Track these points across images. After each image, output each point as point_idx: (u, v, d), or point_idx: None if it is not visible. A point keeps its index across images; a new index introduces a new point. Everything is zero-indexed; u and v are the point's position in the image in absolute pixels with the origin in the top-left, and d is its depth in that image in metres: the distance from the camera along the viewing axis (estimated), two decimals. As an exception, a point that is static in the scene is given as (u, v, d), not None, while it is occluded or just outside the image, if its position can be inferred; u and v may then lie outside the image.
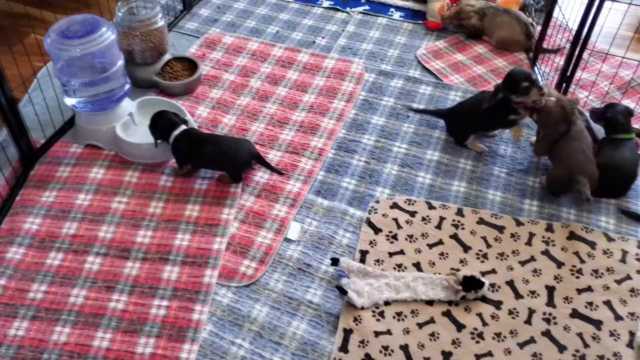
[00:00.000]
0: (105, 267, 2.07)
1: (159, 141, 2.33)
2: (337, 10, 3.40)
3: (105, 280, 2.03)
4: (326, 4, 3.44)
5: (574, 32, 2.62)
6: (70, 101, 2.41)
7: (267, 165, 2.40)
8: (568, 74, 2.71)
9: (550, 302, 2.03)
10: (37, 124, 2.53)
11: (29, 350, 1.84)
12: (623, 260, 2.16)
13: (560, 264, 2.14)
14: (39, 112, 2.58)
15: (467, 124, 2.53)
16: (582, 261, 2.15)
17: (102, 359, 1.83)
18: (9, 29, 2.35)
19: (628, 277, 2.11)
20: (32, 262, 2.07)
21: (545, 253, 2.18)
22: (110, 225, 2.20)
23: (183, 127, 2.32)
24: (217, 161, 2.33)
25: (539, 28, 3.05)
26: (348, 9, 3.40)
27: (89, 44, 2.25)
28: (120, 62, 2.41)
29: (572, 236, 2.23)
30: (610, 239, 2.23)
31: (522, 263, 2.14)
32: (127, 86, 2.49)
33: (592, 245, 2.20)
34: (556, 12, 2.94)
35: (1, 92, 2.20)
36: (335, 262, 2.07)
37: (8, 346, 1.85)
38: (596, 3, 2.48)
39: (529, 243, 2.20)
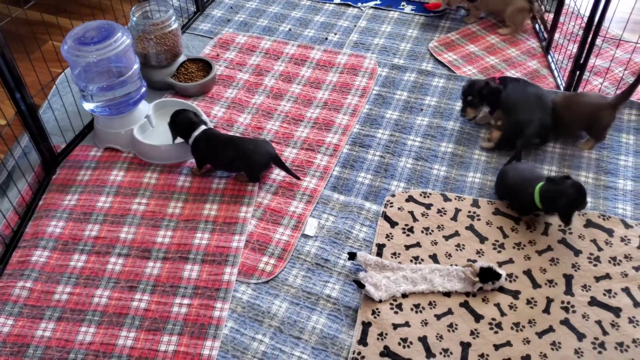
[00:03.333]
0: (127, 268, 2.11)
1: (177, 140, 2.38)
2: (349, 5, 3.42)
3: (128, 280, 2.08)
4: (337, 0, 3.46)
5: (586, 19, 2.61)
6: (88, 106, 2.46)
7: (284, 168, 2.40)
8: (581, 61, 2.69)
9: (569, 291, 2.03)
10: (57, 129, 2.58)
11: (56, 351, 1.90)
12: (641, 247, 2.16)
13: (577, 252, 2.14)
14: (59, 118, 2.64)
15: None
16: (600, 249, 2.15)
17: (126, 357, 1.88)
18: (27, 37, 2.41)
19: (647, 264, 2.11)
20: (56, 264, 2.13)
21: (562, 242, 2.18)
22: (130, 227, 2.24)
23: (203, 127, 2.36)
24: (235, 162, 2.35)
25: (551, 16, 3.03)
26: (359, 4, 3.41)
27: (105, 49, 2.29)
28: (136, 66, 2.45)
29: (589, 224, 2.23)
30: (627, 226, 2.22)
31: (539, 252, 2.14)
32: (144, 89, 2.54)
33: (610, 232, 2.20)
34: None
35: (21, 99, 2.25)
36: (352, 256, 2.09)
37: (36, 347, 1.91)
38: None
39: (545, 232, 2.20)
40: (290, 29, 3.24)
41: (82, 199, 2.35)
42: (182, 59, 2.89)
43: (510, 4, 3.10)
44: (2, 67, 2.14)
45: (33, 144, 2.40)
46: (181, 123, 2.36)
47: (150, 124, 2.58)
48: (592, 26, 2.58)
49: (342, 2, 3.44)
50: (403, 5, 3.41)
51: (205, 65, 2.91)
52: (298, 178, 2.40)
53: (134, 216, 2.28)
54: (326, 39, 3.17)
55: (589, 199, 2.31)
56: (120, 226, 2.25)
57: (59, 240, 2.20)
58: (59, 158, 2.51)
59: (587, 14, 2.60)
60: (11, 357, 1.89)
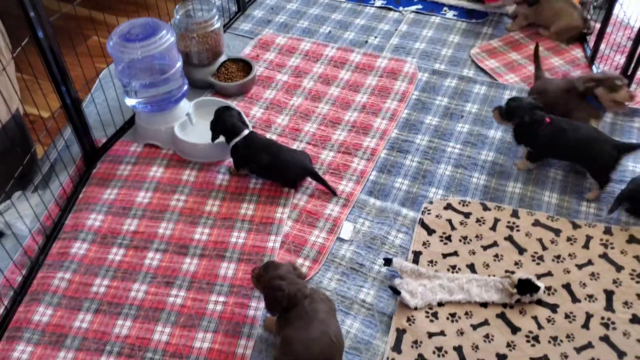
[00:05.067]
0: (165, 263, 2.13)
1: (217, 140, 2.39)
2: (390, 9, 3.40)
3: (165, 275, 2.10)
4: (379, 3, 3.44)
5: (635, 30, 2.55)
6: (130, 102, 2.49)
7: (322, 182, 2.36)
8: (629, 72, 2.63)
9: (609, 307, 1.99)
10: (99, 124, 2.62)
11: (93, 342, 1.92)
12: (687, 266, 2.10)
13: (619, 268, 2.09)
14: (101, 112, 2.68)
15: None
16: (643, 266, 2.10)
17: (161, 352, 1.90)
18: (74, 32, 2.45)
19: (692, 283, 2.05)
20: (95, 257, 2.16)
21: (604, 256, 2.13)
22: (169, 222, 2.26)
23: (246, 131, 2.36)
24: (270, 170, 2.35)
25: (598, 25, 2.97)
26: (401, 8, 3.39)
27: (150, 46, 2.32)
28: (179, 64, 2.48)
29: (631, 240, 2.18)
30: (673, 244, 2.16)
31: (579, 266, 2.10)
32: (185, 87, 2.56)
33: (654, 249, 2.15)
34: (616, 9, 2.85)
35: (67, 93, 2.29)
36: (388, 262, 2.08)
37: (74, 337, 1.94)
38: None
39: (586, 246, 2.16)
40: (330, 31, 3.24)
41: (121, 194, 2.38)
42: (223, 58, 2.91)
43: (563, 17, 3.04)
44: (50, 61, 2.18)
45: (76, 137, 2.45)
46: (225, 125, 2.35)
47: (190, 122, 2.60)
48: (641, 37, 2.53)
49: (383, 5, 3.42)
50: (445, 11, 3.38)
51: (245, 66, 2.93)
52: (334, 193, 2.36)
53: (172, 212, 2.30)
54: (366, 42, 3.16)
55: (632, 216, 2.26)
56: (159, 222, 2.27)
57: (98, 233, 2.24)
58: (100, 152, 2.55)
59: (637, 25, 2.54)
60: (50, 345, 1.92)
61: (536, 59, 2.68)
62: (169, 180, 2.42)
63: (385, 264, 2.09)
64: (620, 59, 2.77)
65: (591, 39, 3.02)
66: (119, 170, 2.48)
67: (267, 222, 2.25)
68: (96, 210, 2.32)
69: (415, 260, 2.13)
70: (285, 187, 2.38)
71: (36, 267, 2.13)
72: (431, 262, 2.12)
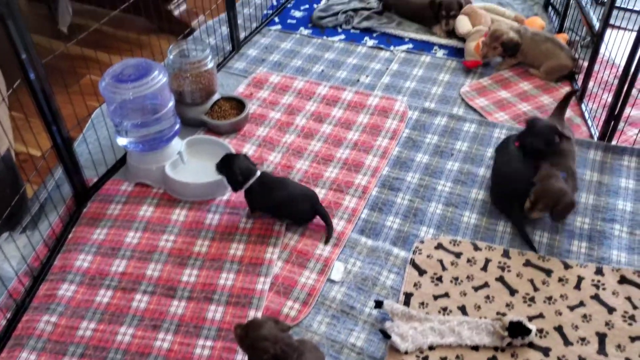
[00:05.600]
0: (152, 306, 2.11)
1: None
2: (381, 49, 3.44)
3: (152, 318, 2.07)
4: (370, 42, 3.49)
5: (621, 68, 2.58)
6: (122, 141, 2.49)
7: (326, 221, 2.36)
8: (616, 112, 2.65)
9: (602, 350, 1.97)
10: (91, 163, 2.62)
11: (78, 387, 1.89)
12: (679, 307, 2.08)
13: (611, 310, 2.08)
14: (93, 151, 2.68)
15: None
16: (635, 307, 2.08)
17: (147, 397, 1.86)
18: (67, 70, 2.47)
19: (685, 325, 2.03)
20: (82, 299, 2.14)
21: (595, 297, 2.11)
22: (157, 263, 2.25)
23: (258, 172, 2.34)
24: (286, 207, 2.36)
25: (585, 64, 3.01)
26: (392, 48, 3.44)
27: (142, 87, 2.34)
28: (171, 104, 2.49)
29: (622, 280, 2.16)
30: (664, 284, 2.15)
31: (571, 308, 2.09)
32: (177, 126, 2.57)
33: (646, 290, 2.13)
34: (602, 48, 2.89)
35: (57, 132, 2.29)
36: (379, 304, 2.06)
37: (58, 382, 1.90)
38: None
39: (577, 287, 2.15)
40: (323, 70, 3.27)
41: (111, 234, 2.36)
42: (216, 97, 2.93)
43: (551, 58, 3.09)
44: (41, 102, 2.19)
45: (66, 177, 2.44)
46: (240, 171, 2.30)
47: (182, 161, 2.60)
48: (628, 76, 2.55)
49: (374, 45, 3.47)
50: (435, 50, 3.42)
51: (238, 104, 2.94)
52: (328, 238, 2.34)
53: (161, 253, 2.28)
54: (358, 80, 3.19)
55: (623, 254, 2.26)
56: (147, 263, 2.25)
57: (87, 274, 2.22)
58: (91, 191, 2.54)
59: (622, 63, 2.57)
60: (33, 392, 1.88)
61: (563, 105, 2.68)
62: (158, 219, 2.42)
63: (376, 307, 2.07)
64: (608, 97, 2.79)
65: (579, 78, 3.06)
66: (109, 210, 2.47)
67: (257, 263, 2.23)
68: (85, 251, 2.30)
69: (407, 302, 2.11)
70: (300, 224, 2.39)
71: (22, 310, 2.10)
72: (422, 304, 2.10)
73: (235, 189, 2.35)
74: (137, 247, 2.31)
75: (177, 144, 2.62)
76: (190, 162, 2.62)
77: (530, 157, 2.43)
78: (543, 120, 2.50)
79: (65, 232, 2.38)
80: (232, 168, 2.31)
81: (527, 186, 2.31)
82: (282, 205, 2.35)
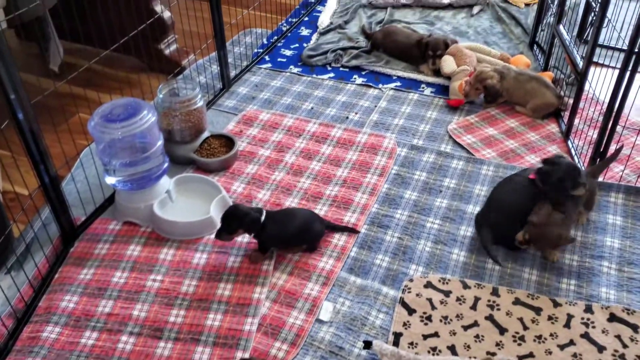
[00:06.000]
0: (138, 347, 2.08)
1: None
2: (370, 86, 3.48)
3: (138, 361, 2.04)
4: (359, 80, 3.53)
5: (606, 105, 2.62)
6: (110, 180, 2.49)
7: (339, 229, 2.52)
8: (602, 149, 2.69)
9: (593, 390, 1.95)
10: (79, 201, 2.61)
11: None
12: (669, 345, 2.07)
13: (601, 348, 2.06)
14: (81, 190, 2.67)
15: None
16: (625, 345, 2.07)
17: None
18: (55, 109, 2.48)
19: (675, 364, 2.02)
20: (66, 341, 2.10)
21: (585, 336, 2.10)
22: (144, 304, 2.22)
23: (264, 212, 2.34)
24: (298, 236, 2.39)
25: (570, 101, 3.05)
26: (380, 86, 3.48)
27: (131, 126, 2.34)
28: (160, 142, 2.49)
29: (612, 318, 2.16)
30: (654, 322, 2.14)
31: (561, 347, 2.07)
32: (166, 164, 2.57)
33: (635, 328, 2.12)
34: (587, 86, 2.94)
35: (45, 172, 2.29)
36: (367, 345, 2.04)
37: None
38: (627, 76, 2.49)
39: (567, 325, 2.14)
40: (312, 108, 3.30)
41: (97, 273, 2.34)
42: (205, 134, 2.94)
43: (537, 96, 3.13)
44: (29, 141, 2.19)
45: (53, 216, 2.42)
46: (248, 216, 2.28)
47: (170, 199, 2.60)
48: (612, 113, 2.60)
49: (363, 83, 3.51)
50: (423, 88, 3.47)
51: (227, 141, 2.96)
52: (354, 230, 2.52)
53: (148, 293, 2.26)
54: (347, 118, 3.22)
55: (612, 291, 2.26)
56: (134, 303, 2.22)
57: (72, 315, 2.19)
58: (79, 231, 2.52)
59: (607, 100, 2.62)
60: None
61: (604, 164, 2.68)
62: (146, 259, 2.40)
63: (365, 347, 2.05)
64: (594, 134, 2.83)
65: (565, 115, 3.10)
66: (97, 249, 2.45)
67: (245, 303, 2.21)
68: (71, 292, 2.27)
69: (396, 342, 2.09)
70: (315, 248, 2.42)
71: (4, 353, 2.06)
72: (412, 344, 2.08)
73: (255, 230, 2.32)
74: (124, 287, 2.28)
75: (166, 183, 2.62)
76: (178, 201, 2.62)
77: (541, 193, 2.37)
78: (568, 160, 2.43)
79: (51, 273, 2.35)
80: (245, 218, 2.28)
81: (521, 217, 2.33)
82: (300, 233, 2.37)
